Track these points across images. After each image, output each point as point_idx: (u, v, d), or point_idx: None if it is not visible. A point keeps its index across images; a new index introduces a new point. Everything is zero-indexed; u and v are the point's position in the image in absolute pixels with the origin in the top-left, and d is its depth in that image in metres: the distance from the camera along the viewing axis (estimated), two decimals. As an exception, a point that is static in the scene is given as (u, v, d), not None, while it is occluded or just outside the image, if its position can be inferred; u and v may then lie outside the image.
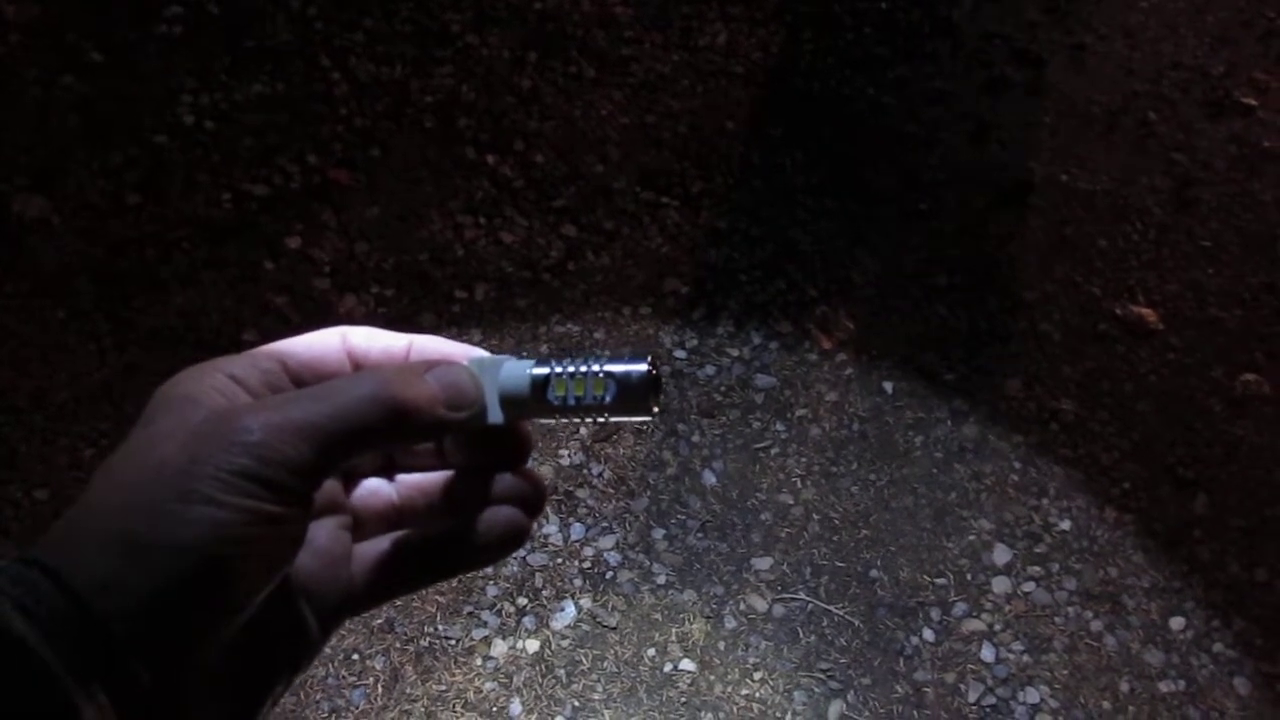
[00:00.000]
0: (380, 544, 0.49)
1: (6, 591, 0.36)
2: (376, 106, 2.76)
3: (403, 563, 0.49)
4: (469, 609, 2.12)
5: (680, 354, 2.47)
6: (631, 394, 0.47)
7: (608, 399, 0.47)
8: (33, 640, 0.35)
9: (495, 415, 0.48)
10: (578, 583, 2.17)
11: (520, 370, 0.48)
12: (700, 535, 2.25)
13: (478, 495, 0.49)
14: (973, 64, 3.05)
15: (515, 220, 2.64)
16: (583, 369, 0.47)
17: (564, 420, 0.49)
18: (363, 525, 0.50)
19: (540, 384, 0.47)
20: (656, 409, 0.48)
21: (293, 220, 2.54)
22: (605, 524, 2.24)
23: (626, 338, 2.48)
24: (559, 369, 0.47)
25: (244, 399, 0.43)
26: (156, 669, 0.38)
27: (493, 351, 0.51)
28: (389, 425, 0.43)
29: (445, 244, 2.57)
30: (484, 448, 0.50)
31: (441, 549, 0.49)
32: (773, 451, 2.37)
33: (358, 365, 0.48)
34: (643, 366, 0.47)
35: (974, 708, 2.10)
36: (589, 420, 0.48)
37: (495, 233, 2.61)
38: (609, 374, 0.47)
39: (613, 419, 0.49)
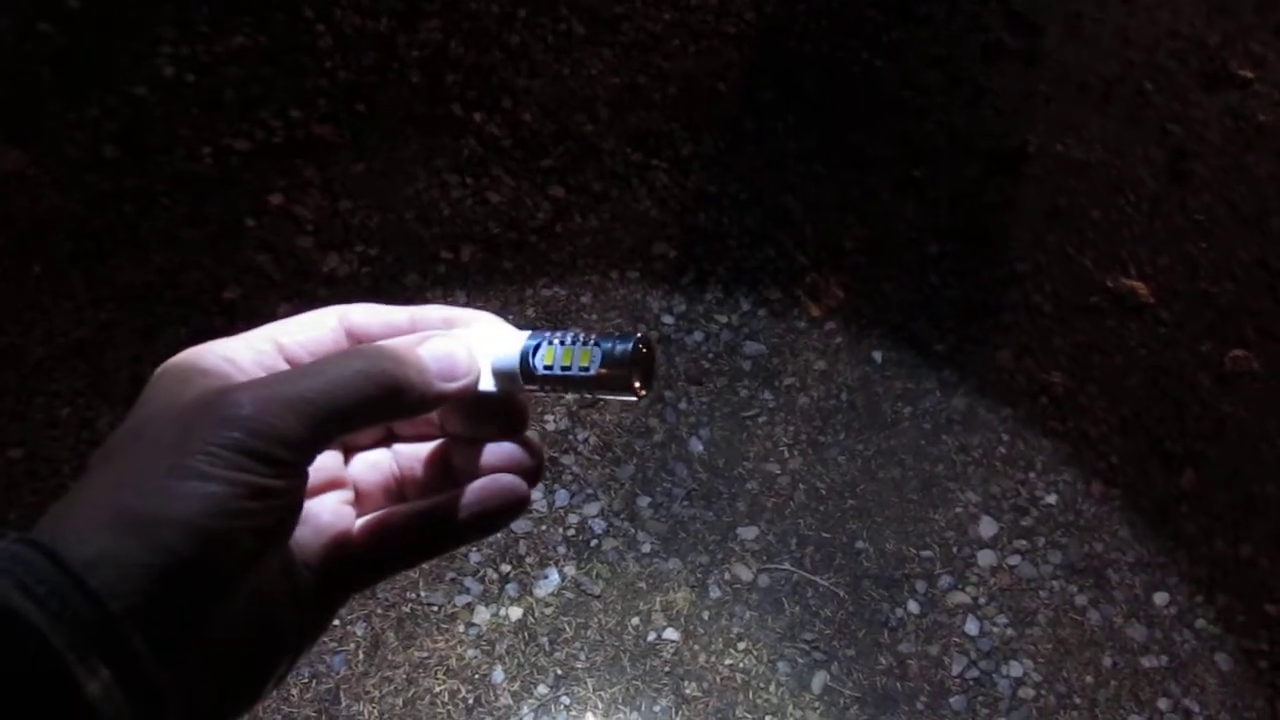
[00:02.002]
0: (383, 517, 0.49)
1: (7, 570, 0.35)
2: (362, 60, 2.70)
3: (405, 535, 0.48)
4: (451, 575, 2.10)
5: (668, 319, 2.44)
6: (616, 368, 0.46)
7: (592, 371, 0.46)
8: (34, 618, 0.35)
9: (488, 385, 0.48)
10: (562, 550, 2.15)
11: (513, 340, 0.48)
12: (686, 504, 2.23)
13: (477, 465, 0.49)
14: (969, 29, 3.01)
15: (503, 180, 2.59)
16: (570, 338, 0.46)
17: (553, 393, 0.48)
18: (364, 498, 0.50)
19: (529, 353, 0.47)
20: (644, 390, 0.47)
21: (275, 176, 2.49)
22: (590, 491, 2.22)
23: (614, 302, 2.44)
24: (548, 337, 0.47)
25: (238, 379, 0.43)
26: (157, 643, 0.37)
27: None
28: (380, 399, 0.43)
29: (431, 203, 2.53)
30: (481, 418, 0.50)
31: (442, 519, 0.48)
32: (760, 420, 2.35)
33: (358, 342, 0.48)
34: (628, 343, 0.46)
35: (957, 680, 2.10)
36: (578, 396, 0.48)
37: (482, 192, 2.56)
38: (596, 345, 0.46)
39: (599, 395, 0.48)
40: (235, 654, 0.41)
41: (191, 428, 0.39)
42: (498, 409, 0.49)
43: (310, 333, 0.47)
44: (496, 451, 0.49)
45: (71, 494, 0.39)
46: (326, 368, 0.43)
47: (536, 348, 0.47)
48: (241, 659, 0.42)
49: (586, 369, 0.46)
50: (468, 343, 0.47)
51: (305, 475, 0.42)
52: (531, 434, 0.50)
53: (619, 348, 0.46)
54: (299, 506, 0.43)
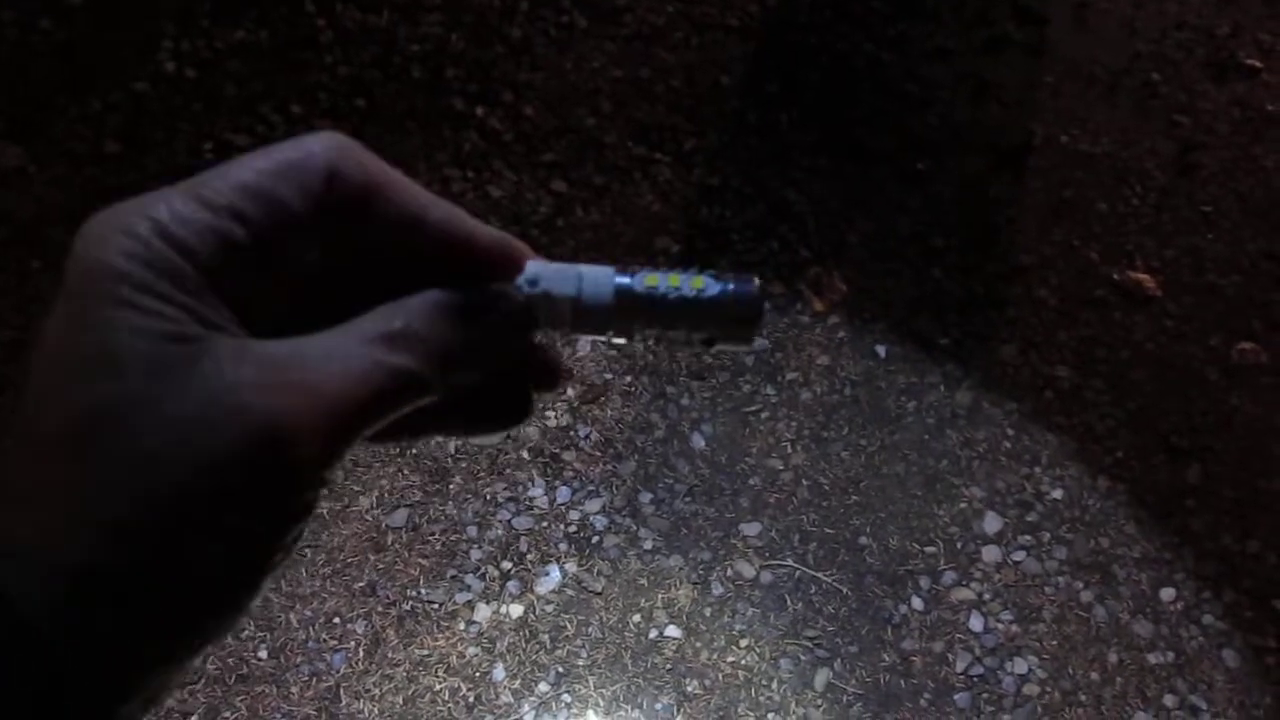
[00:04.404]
0: None
1: None
2: (363, 55, 2.69)
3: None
4: (452, 573, 2.09)
5: (670, 315, 2.43)
6: (735, 322, 0.40)
7: (708, 321, 0.40)
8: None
9: (560, 325, 0.40)
10: (563, 547, 2.14)
11: (604, 279, 0.39)
12: (688, 500, 2.22)
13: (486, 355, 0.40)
14: (974, 22, 2.99)
15: (504, 174, 2.58)
16: (677, 288, 0.39)
17: (646, 342, 0.42)
18: None
19: (626, 299, 0.39)
20: (758, 340, 0.41)
21: (276, 172, 2.48)
22: (592, 487, 2.21)
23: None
24: (650, 282, 0.39)
25: (198, 286, 0.32)
26: (147, 700, 0.33)
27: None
28: (417, 397, 0.36)
29: (432, 198, 2.51)
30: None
31: (439, 404, 0.40)
32: (763, 415, 2.33)
33: (348, 207, 0.36)
34: (751, 289, 0.40)
35: (961, 677, 2.09)
36: (675, 346, 0.42)
37: (483, 186, 2.55)
38: (713, 292, 0.39)
39: (710, 347, 0.41)
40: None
41: (199, 441, 0.31)
42: (536, 363, 0.42)
43: (284, 194, 0.34)
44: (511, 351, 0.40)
45: (36, 505, 0.31)
46: (350, 358, 0.34)
47: (632, 293, 0.39)
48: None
49: (700, 319, 0.40)
50: (523, 302, 0.39)
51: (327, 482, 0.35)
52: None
53: (744, 292, 0.40)
54: (314, 509, 0.36)
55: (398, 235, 0.37)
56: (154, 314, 0.32)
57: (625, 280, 0.39)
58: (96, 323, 0.31)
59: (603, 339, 0.40)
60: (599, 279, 0.39)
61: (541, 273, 0.39)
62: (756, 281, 0.40)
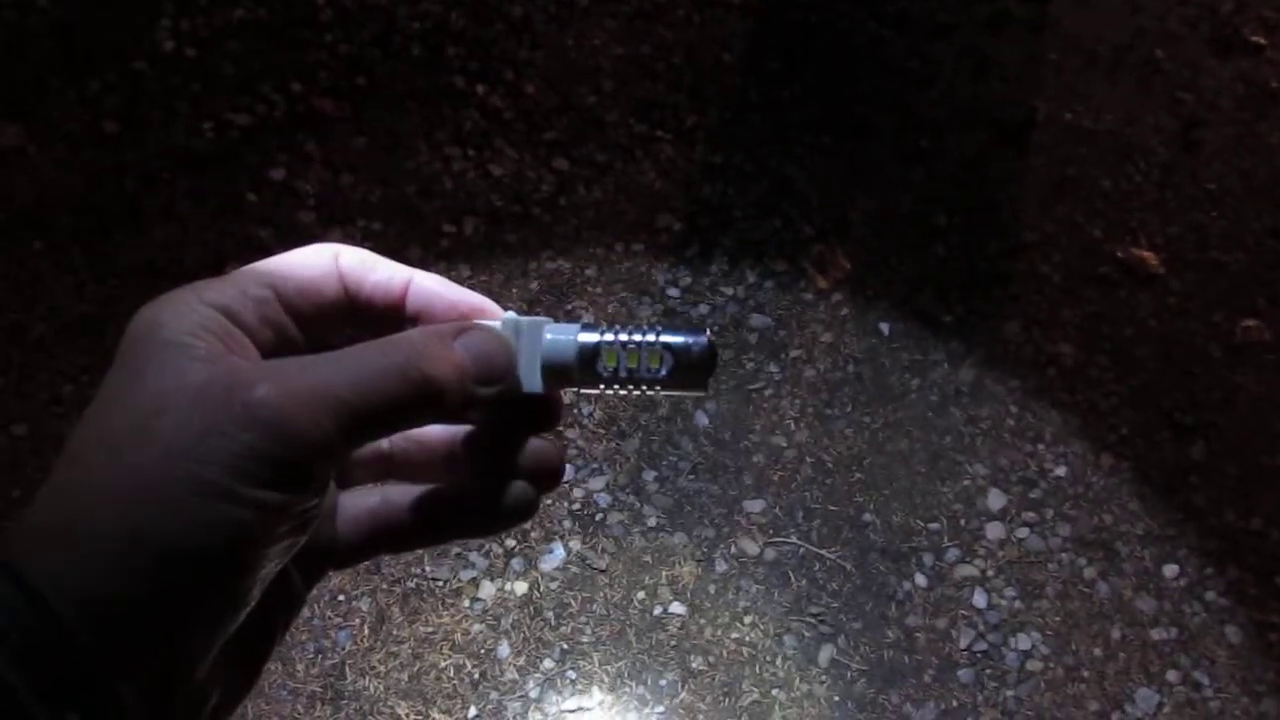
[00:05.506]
0: (368, 498, 0.44)
1: None
2: (363, 34, 2.67)
3: (391, 523, 0.44)
4: (456, 550, 2.09)
5: (673, 292, 2.43)
6: (689, 369, 0.43)
7: (662, 373, 0.43)
8: (4, 672, 0.31)
9: (532, 384, 0.43)
10: (567, 524, 2.14)
11: (566, 336, 0.43)
12: (691, 477, 2.22)
13: (486, 457, 0.45)
14: (976, -3, 2.97)
15: (505, 152, 2.57)
16: (636, 339, 0.43)
17: (609, 392, 0.44)
18: (349, 473, 0.46)
19: (589, 353, 0.43)
20: (709, 388, 0.44)
21: (276, 151, 2.47)
22: (595, 465, 2.21)
23: (618, 275, 2.43)
24: (610, 337, 0.43)
25: (239, 340, 0.38)
26: (146, 690, 0.34)
27: (481, 289, 0.46)
28: (417, 403, 0.38)
29: (433, 176, 2.51)
30: (509, 413, 0.44)
31: (437, 512, 0.44)
32: (766, 393, 2.33)
33: (351, 296, 0.43)
34: (703, 340, 0.43)
35: (965, 653, 2.09)
36: (635, 393, 0.44)
37: (484, 165, 2.54)
38: (666, 346, 0.43)
39: (664, 393, 0.45)
40: (226, 659, 0.38)
41: (211, 430, 0.34)
42: (527, 405, 0.44)
43: (310, 276, 0.41)
44: (513, 450, 0.44)
45: (54, 500, 0.34)
46: (355, 359, 0.37)
47: (596, 349, 0.43)
48: (231, 662, 0.38)
49: (656, 371, 0.43)
50: (505, 336, 0.42)
51: (328, 485, 0.38)
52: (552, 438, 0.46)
53: (694, 347, 0.43)
54: (315, 520, 0.38)
55: (394, 297, 0.43)
56: (189, 346, 0.36)
57: (588, 336, 0.43)
58: (139, 357, 0.37)
59: (571, 389, 0.45)
60: (562, 333, 0.44)
61: (511, 317, 0.44)
62: (708, 333, 0.44)
